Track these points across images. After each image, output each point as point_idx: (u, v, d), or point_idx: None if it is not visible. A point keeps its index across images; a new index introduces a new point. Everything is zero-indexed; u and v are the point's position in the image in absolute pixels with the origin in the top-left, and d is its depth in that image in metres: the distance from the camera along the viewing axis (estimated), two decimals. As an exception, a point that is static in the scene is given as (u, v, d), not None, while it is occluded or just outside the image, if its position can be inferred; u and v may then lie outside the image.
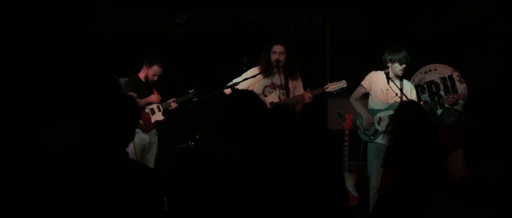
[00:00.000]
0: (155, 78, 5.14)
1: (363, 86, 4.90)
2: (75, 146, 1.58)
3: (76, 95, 1.62)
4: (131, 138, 1.71)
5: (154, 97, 5.12)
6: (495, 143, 1.42)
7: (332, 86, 4.76)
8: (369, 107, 4.89)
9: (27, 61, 6.07)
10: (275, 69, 4.81)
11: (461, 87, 6.08)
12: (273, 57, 4.76)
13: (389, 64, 4.74)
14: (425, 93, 6.22)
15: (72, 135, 1.59)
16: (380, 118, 4.75)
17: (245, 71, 5.04)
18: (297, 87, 4.85)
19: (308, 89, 4.73)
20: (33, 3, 5.87)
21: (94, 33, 6.19)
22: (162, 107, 5.15)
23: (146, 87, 5.12)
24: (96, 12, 6.13)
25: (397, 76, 4.77)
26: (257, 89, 4.86)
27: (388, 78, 4.73)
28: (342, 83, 4.77)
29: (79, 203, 1.48)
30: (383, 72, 4.79)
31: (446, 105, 5.03)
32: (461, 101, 4.97)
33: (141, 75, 5.16)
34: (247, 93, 2.98)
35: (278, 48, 4.76)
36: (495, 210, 1.33)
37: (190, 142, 5.39)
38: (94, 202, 1.48)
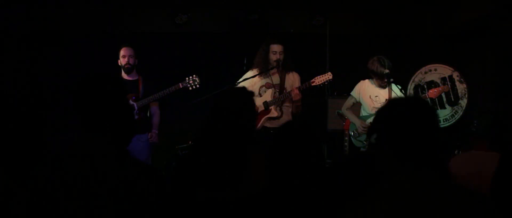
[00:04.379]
0: (125, 60, 4.76)
1: (352, 96, 4.98)
2: (78, 146, 1.59)
3: (79, 97, 1.63)
4: (131, 136, 1.72)
5: None
6: (388, 160, 1.52)
7: (318, 80, 4.78)
8: (360, 115, 5.00)
9: (28, 62, 6.07)
10: (274, 69, 4.82)
11: (461, 87, 6.08)
12: (274, 57, 4.76)
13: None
14: (425, 93, 6.22)
15: (76, 135, 1.60)
16: (371, 123, 4.78)
17: (245, 72, 5.06)
18: (294, 85, 4.86)
19: (303, 84, 4.77)
20: (34, 3, 5.87)
21: (94, 33, 6.19)
22: (137, 106, 4.74)
23: (127, 85, 4.74)
24: (96, 12, 6.12)
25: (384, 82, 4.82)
26: (255, 90, 4.87)
27: (388, 81, 4.77)
28: (328, 76, 4.78)
29: (83, 202, 1.48)
30: (369, 80, 4.89)
31: (431, 98, 5.11)
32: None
33: (122, 74, 4.88)
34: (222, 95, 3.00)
35: (278, 47, 4.77)
36: None
37: (190, 142, 5.37)
38: (97, 201, 1.49)
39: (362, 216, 1.42)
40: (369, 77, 4.93)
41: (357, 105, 5.06)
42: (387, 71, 4.71)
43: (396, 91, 4.81)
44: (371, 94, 4.88)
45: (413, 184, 1.45)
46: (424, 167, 1.48)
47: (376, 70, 4.73)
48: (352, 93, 5.01)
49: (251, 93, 2.89)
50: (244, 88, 3.01)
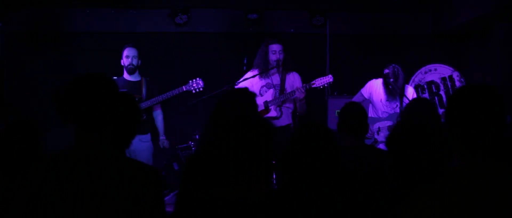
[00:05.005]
0: (129, 61, 4.79)
1: (362, 94, 4.91)
2: (76, 146, 1.58)
3: (76, 97, 1.63)
4: (131, 137, 1.72)
5: None
6: (458, 141, 1.49)
7: (319, 82, 4.76)
8: (368, 116, 4.89)
9: (27, 62, 6.07)
10: (274, 69, 4.82)
11: (461, 87, 6.07)
12: (273, 57, 4.76)
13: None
14: (425, 93, 6.22)
15: (73, 136, 1.60)
16: (379, 127, 4.76)
17: (245, 72, 5.06)
18: (295, 85, 4.86)
19: (303, 85, 4.75)
20: (33, 3, 5.87)
21: (94, 33, 6.19)
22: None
23: (130, 86, 4.81)
24: (96, 12, 6.12)
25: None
26: (255, 90, 4.87)
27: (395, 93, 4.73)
28: (328, 78, 4.77)
29: (80, 203, 1.48)
30: (381, 81, 4.77)
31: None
32: None
33: (125, 75, 4.91)
34: (235, 92, 3.02)
35: (277, 47, 4.77)
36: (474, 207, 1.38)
37: (189, 142, 5.38)
38: (94, 202, 1.49)
39: (431, 204, 1.39)
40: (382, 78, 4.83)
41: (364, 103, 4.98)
42: (391, 80, 4.62)
43: (409, 96, 4.74)
44: (382, 98, 4.82)
45: (485, 173, 1.43)
46: (494, 157, 1.46)
47: (388, 81, 4.65)
48: (362, 91, 4.92)
49: (253, 94, 2.91)
50: (246, 89, 3.04)
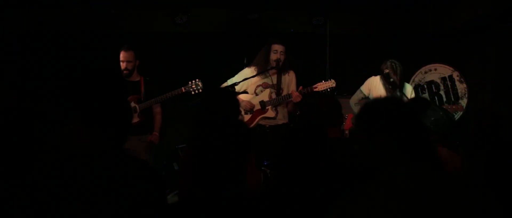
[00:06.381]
0: (124, 65, 4.74)
1: (362, 91, 4.92)
2: (78, 144, 1.58)
3: (80, 93, 1.62)
4: (128, 133, 1.72)
5: None
6: (385, 145, 1.57)
7: (321, 86, 4.76)
8: None
9: (28, 61, 6.08)
10: (274, 69, 4.82)
11: (461, 87, 6.08)
12: (274, 56, 4.77)
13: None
14: (425, 93, 6.22)
15: (75, 133, 1.59)
16: None
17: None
18: (290, 86, 4.86)
19: (300, 88, 4.74)
20: (34, 3, 5.87)
21: (94, 33, 6.19)
22: (139, 109, 4.73)
23: (129, 86, 4.73)
24: (97, 12, 6.13)
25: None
26: (251, 89, 4.87)
27: (394, 87, 4.76)
28: (331, 83, 4.76)
29: (82, 202, 1.48)
30: (379, 78, 4.81)
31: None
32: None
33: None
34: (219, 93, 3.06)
35: (279, 47, 4.77)
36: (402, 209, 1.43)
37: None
38: (96, 200, 1.48)
39: (360, 208, 1.43)
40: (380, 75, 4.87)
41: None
42: (392, 79, 4.65)
43: (407, 94, 4.76)
44: (382, 94, 4.83)
45: (411, 175, 1.49)
46: (419, 159, 1.54)
47: (388, 81, 4.69)
48: (361, 88, 4.95)
49: (235, 93, 2.96)
50: (227, 89, 3.10)
